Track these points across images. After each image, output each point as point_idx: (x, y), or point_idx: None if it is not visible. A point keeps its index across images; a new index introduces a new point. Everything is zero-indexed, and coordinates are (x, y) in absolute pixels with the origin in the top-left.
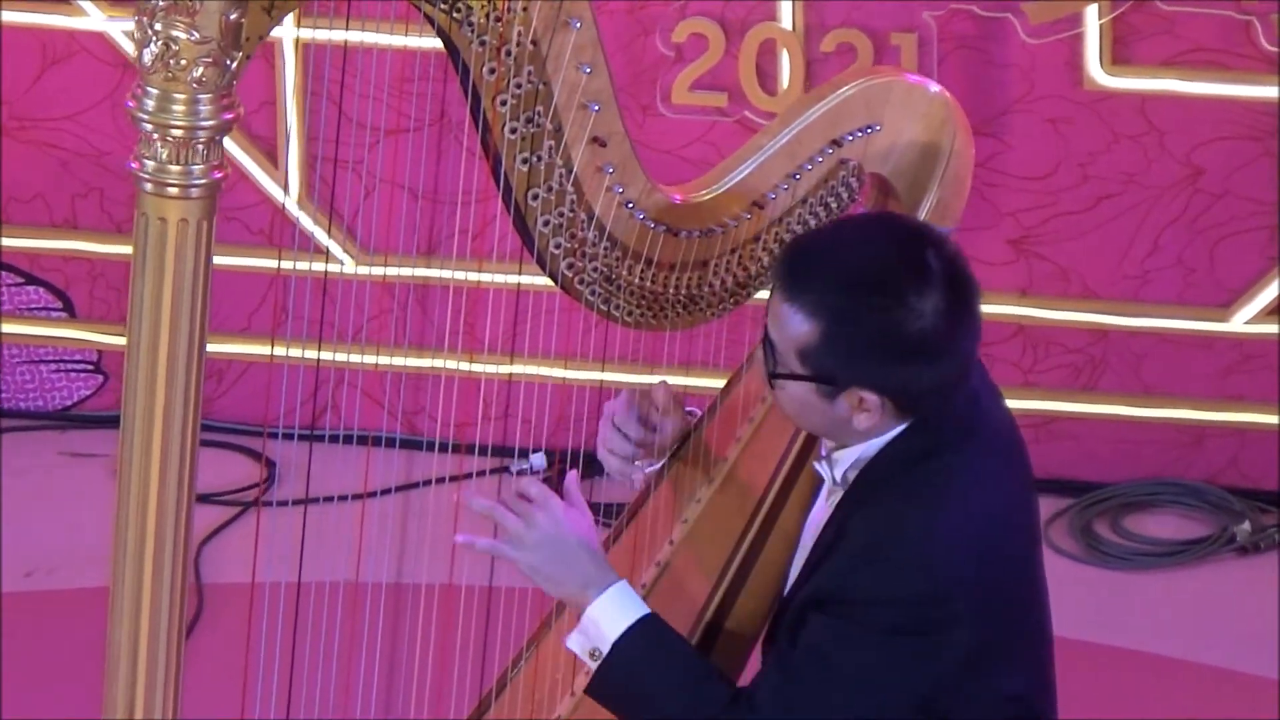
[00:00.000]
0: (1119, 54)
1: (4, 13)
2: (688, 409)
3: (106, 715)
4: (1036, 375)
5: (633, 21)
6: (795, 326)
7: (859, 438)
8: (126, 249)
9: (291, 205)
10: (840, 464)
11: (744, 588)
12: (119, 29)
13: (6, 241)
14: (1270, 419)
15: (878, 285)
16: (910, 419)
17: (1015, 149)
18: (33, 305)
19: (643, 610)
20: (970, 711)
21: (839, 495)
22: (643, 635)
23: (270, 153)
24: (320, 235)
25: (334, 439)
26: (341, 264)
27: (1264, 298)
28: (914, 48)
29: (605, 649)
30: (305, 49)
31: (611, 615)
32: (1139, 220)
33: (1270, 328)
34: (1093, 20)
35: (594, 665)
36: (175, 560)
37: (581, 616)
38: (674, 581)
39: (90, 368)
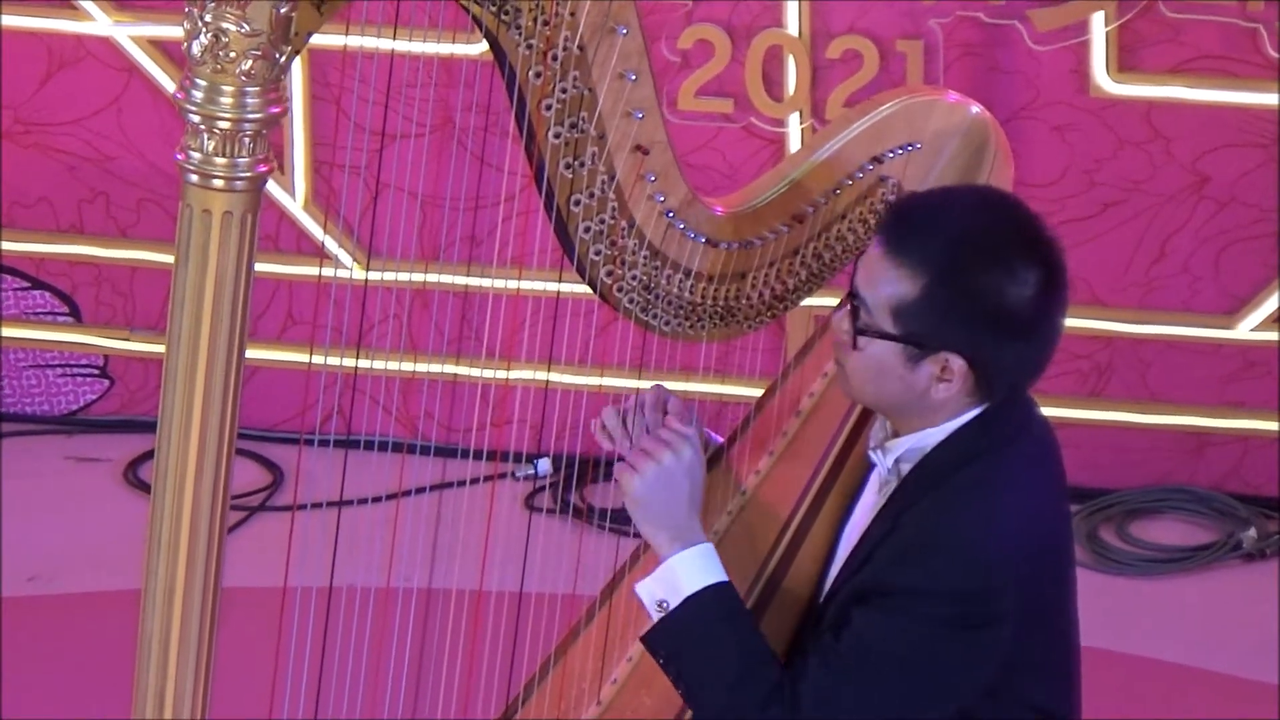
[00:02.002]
0: (1125, 61)
1: (10, 17)
2: (706, 431)
3: (136, 714)
4: (1043, 382)
5: None
6: (895, 282)
7: (924, 417)
8: (132, 253)
9: (300, 213)
10: (893, 453)
11: (771, 604)
12: (125, 34)
13: (12, 246)
14: (1275, 426)
15: (989, 248)
16: (978, 404)
17: (1021, 156)
18: (38, 309)
19: (723, 576)
20: (1000, 718)
21: (891, 486)
22: (717, 598)
23: (277, 158)
24: (330, 243)
25: (363, 445)
26: (349, 270)
27: (1270, 305)
28: (920, 55)
29: (675, 601)
30: (312, 54)
31: (692, 571)
32: (1145, 227)
33: (1276, 335)
34: (1099, 27)
35: (657, 615)
36: (210, 554)
37: (661, 564)
38: None
39: (96, 372)
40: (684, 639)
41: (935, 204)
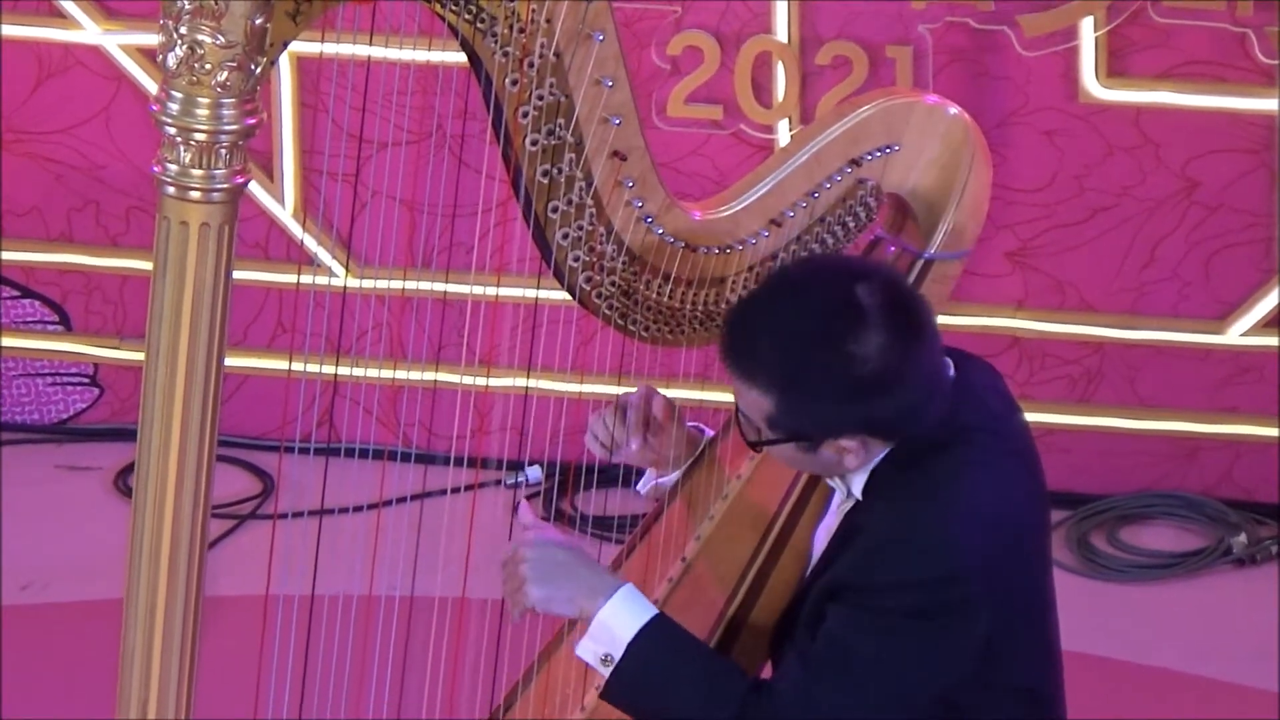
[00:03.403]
0: (1114, 66)
1: (0, 26)
2: (693, 424)
3: (120, 715)
4: (1032, 388)
5: (628, 34)
6: (754, 400)
7: (860, 467)
8: (122, 262)
9: (290, 220)
10: (855, 480)
11: (757, 603)
12: (115, 43)
13: (3, 255)
14: (1266, 431)
15: (814, 343)
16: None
17: (1011, 161)
18: (29, 318)
19: (652, 611)
20: (983, 702)
21: (850, 503)
22: (656, 634)
23: (266, 166)
24: (322, 251)
25: (346, 453)
26: (330, 276)
27: (1260, 310)
28: (909, 60)
29: (618, 652)
30: (300, 62)
31: (622, 618)
32: (1135, 233)
33: (1266, 340)
34: (1088, 33)
35: (606, 671)
36: (191, 563)
37: (591, 622)
38: (687, 596)
39: (86, 380)
40: (640, 684)
41: (755, 314)
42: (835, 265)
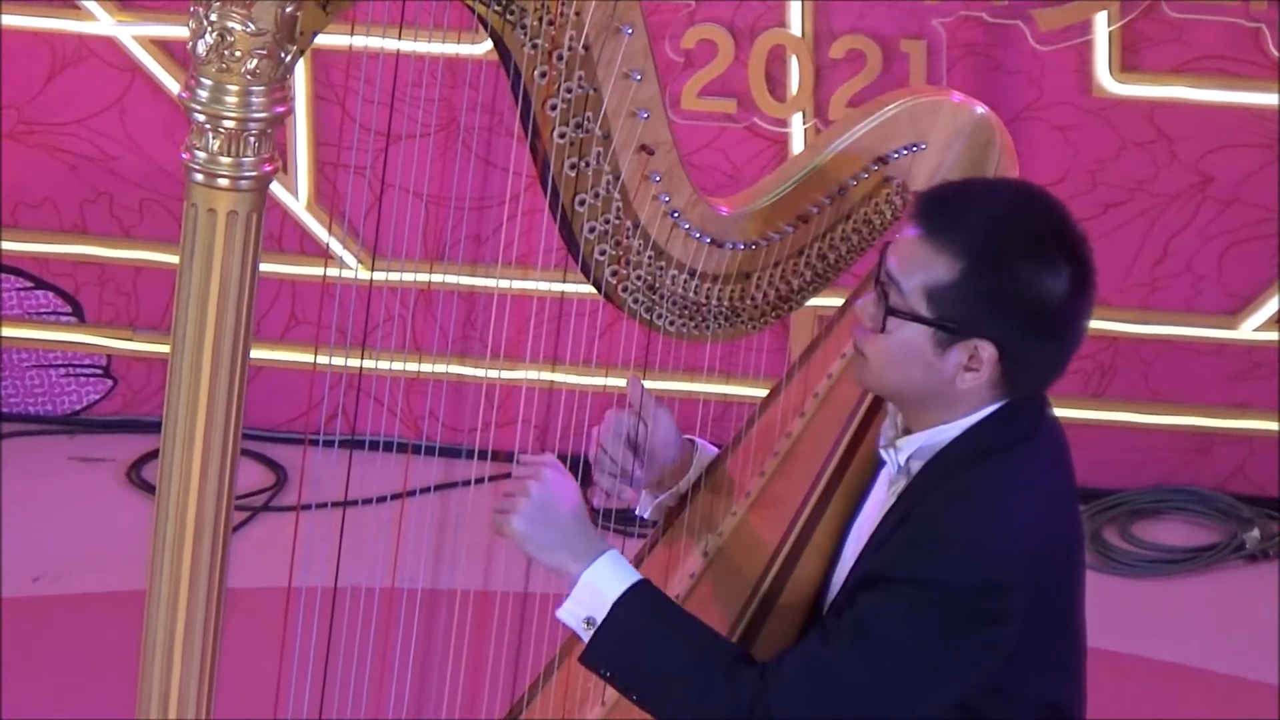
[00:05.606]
0: (1128, 61)
1: (13, 17)
2: (703, 441)
3: (140, 714)
4: None
5: None
6: (933, 265)
7: (942, 408)
8: (136, 253)
9: (303, 213)
10: (904, 450)
11: (778, 601)
12: (128, 34)
13: (16, 246)
14: (1279, 426)
15: (1030, 239)
16: (996, 400)
17: (1024, 156)
18: (42, 309)
19: (638, 576)
20: (1006, 714)
21: (901, 484)
22: (642, 596)
23: (280, 158)
24: (334, 243)
25: (370, 445)
26: (342, 269)
27: (1273, 305)
28: (923, 55)
29: (601, 614)
30: (314, 54)
31: (608, 579)
32: (1148, 227)
33: (1279, 335)
34: (1102, 27)
35: (588, 634)
36: (214, 554)
37: (575, 584)
38: (709, 592)
39: (99, 372)
40: (623, 645)
41: (975, 191)
42: (1064, 209)
